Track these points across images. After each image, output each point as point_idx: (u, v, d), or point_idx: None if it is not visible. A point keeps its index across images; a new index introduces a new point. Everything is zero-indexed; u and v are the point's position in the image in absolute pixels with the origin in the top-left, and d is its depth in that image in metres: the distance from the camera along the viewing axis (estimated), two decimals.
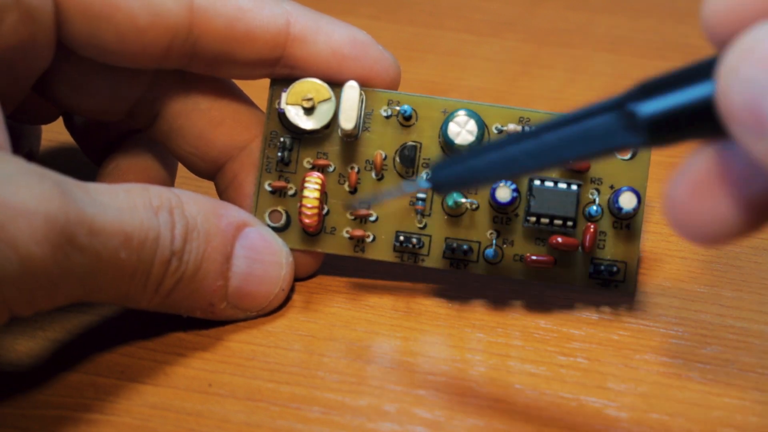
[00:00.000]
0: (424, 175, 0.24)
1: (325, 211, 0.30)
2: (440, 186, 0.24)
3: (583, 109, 0.20)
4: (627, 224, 0.30)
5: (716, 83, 0.18)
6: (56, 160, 0.38)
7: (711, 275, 0.32)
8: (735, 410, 0.26)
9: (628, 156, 0.30)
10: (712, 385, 0.27)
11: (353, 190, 0.30)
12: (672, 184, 0.20)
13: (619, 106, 0.19)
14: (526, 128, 0.28)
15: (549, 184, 0.29)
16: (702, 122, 0.19)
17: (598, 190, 0.30)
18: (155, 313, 0.27)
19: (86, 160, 0.35)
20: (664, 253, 0.33)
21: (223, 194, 0.31)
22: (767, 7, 0.18)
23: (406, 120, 0.30)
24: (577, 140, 0.20)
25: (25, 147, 0.34)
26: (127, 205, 0.25)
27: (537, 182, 0.29)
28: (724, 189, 0.19)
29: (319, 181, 0.30)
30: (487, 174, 0.23)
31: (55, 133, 0.37)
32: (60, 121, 0.35)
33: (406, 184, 0.26)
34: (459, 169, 0.23)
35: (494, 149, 0.22)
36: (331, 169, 0.30)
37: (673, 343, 0.29)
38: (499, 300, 0.30)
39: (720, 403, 0.26)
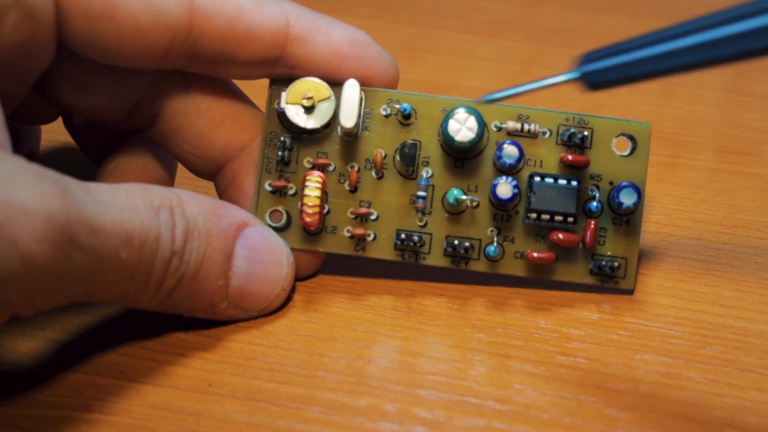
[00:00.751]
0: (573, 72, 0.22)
1: (325, 210, 0.30)
2: (591, 79, 0.22)
3: (747, 6, 0.19)
4: (627, 220, 0.30)
5: None
6: (56, 160, 0.38)
7: (711, 275, 0.32)
8: (735, 410, 0.26)
9: (627, 152, 0.30)
10: (712, 385, 0.27)
11: (353, 189, 0.30)
12: None
13: None
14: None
15: (549, 180, 0.29)
16: None
17: (597, 187, 0.30)
18: (155, 313, 0.27)
19: (86, 160, 0.35)
20: (664, 253, 0.33)
21: (223, 194, 0.31)
22: None
23: (406, 119, 0.30)
24: (740, 39, 0.19)
25: (25, 147, 0.34)
26: (128, 204, 0.25)
27: (537, 179, 0.29)
28: None
29: (320, 180, 0.30)
30: (643, 68, 0.22)
31: (55, 133, 0.37)
32: (60, 121, 0.35)
33: (555, 77, 0.24)
34: (613, 62, 0.22)
35: (651, 43, 0.21)
36: (331, 168, 0.30)
37: (673, 343, 0.29)
38: (499, 300, 0.30)
39: (720, 403, 0.26)
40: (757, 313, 0.30)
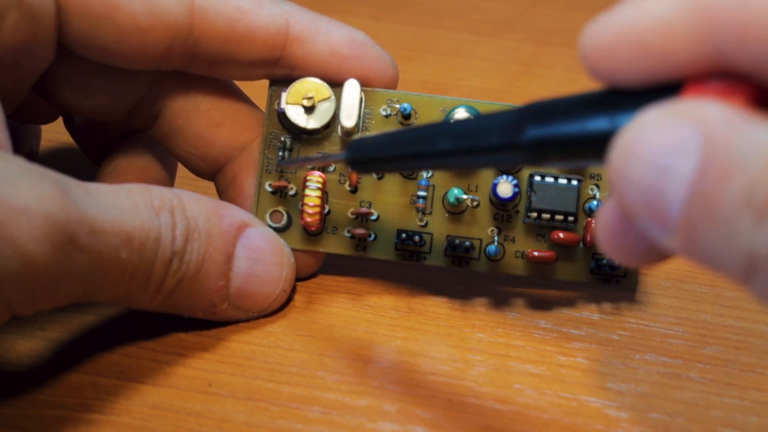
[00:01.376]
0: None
1: (326, 210, 0.30)
2: (353, 163, 0.25)
3: (477, 121, 0.22)
4: None
5: (608, 177, 0.18)
6: (56, 160, 0.38)
7: (711, 275, 0.32)
8: (735, 410, 0.26)
9: None
10: (712, 385, 0.27)
11: (354, 190, 0.30)
12: (599, 217, 0.20)
13: (512, 130, 0.20)
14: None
15: (549, 179, 0.29)
16: (586, 157, 0.19)
17: (597, 186, 0.30)
18: (155, 313, 0.27)
19: (86, 160, 0.35)
20: None
21: (223, 195, 0.31)
22: (642, 51, 0.18)
23: (406, 119, 0.30)
24: (468, 154, 0.21)
25: (25, 147, 0.34)
26: (129, 205, 0.25)
27: (537, 178, 0.29)
28: (634, 233, 0.19)
29: (321, 180, 0.30)
30: (393, 165, 0.25)
31: (55, 133, 0.37)
32: (60, 121, 0.35)
33: (331, 155, 0.28)
34: (368, 153, 0.25)
35: (397, 144, 0.24)
36: (331, 168, 0.30)
37: (673, 343, 0.29)
38: (499, 300, 0.30)
39: (720, 403, 0.26)
40: (757, 313, 0.30)
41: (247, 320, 0.29)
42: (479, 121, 0.22)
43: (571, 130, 0.19)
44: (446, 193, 0.30)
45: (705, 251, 0.17)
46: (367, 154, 0.25)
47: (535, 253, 0.30)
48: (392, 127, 0.30)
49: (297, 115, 0.30)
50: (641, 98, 0.18)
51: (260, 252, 0.28)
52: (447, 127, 0.22)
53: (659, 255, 0.20)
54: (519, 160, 0.20)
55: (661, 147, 0.17)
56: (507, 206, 0.30)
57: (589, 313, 0.30)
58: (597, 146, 0.19)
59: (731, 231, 0.17)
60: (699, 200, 0.17)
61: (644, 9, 0.18)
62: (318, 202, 0.29)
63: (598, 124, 0.19)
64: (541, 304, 0.30)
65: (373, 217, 0.30)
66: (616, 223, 0.20)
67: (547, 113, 0.20)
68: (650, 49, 0.18)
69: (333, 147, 0.30)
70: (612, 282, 0.30)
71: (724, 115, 0.17)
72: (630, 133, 0.18)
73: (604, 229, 0.20)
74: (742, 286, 0.17)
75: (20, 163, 0.23)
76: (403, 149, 0.23)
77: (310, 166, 0.30)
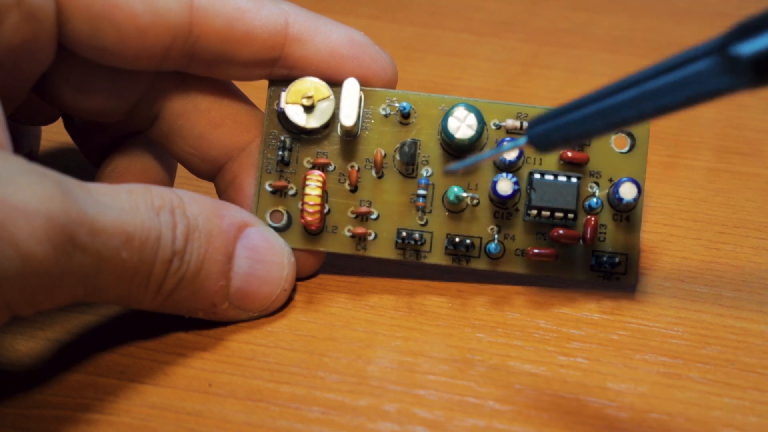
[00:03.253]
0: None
1: (326, 209, 0.30)
2: (538, 141, 0.23)
3: (681, 55, 0.20)
4: (627, 216, 0.30)
5: None
6: (56, 160, 0.38)
7: (711, 275, 0.32)
8: (735, 410, 0.26)
9: (626, 149, 0.30)
10: (712, 385, 0.27)
11: (354, 189, 0.30)
12: None
13: (719, 50, 0.19)
14: (620, 80, 0.27)
15: (549, 177, 0.29)
16: None
17: (597, 183, 0.30)
18: (155, 313, 0.27)
19: (86, 160, 0.35)
20: (664, 253, 0.33)
21: (223, 195, 0.31)
22: None
23: (405, 118, 0.30)
24: (678, 88, 0.20)
25: (25, 147, 0.34)
26: (129, 205, 0.25)
27: (537, 175, 0.29)
28: None
29: (321, 179, 0.30)
30: (586, 126, 0.22)
31: (55, 133, 0.37)
32: (60, 121, 0.35)
33: (504, 144, 0.25)
34: (556, 123, 0.23)
35: (591, 101, 0.22)
36: (331, 168, 0.30)
37: (673, 343, 0.29)
38: (499, 300, 0.30)
39: (720, 403, 0.26)
40: (757, 313, 0.30)
41: (248, 320, 0.29)
42: (677, 56, 0.20)
43: None
44: (446, 192, 0.30)
45: None
46: (550, 125, 0.23)
47: (535, 251, 0.30)
48: (391, 125, 0.30)
49: (296, 115, 0.30)
50: None
51: (260, 252, 0.28)
52: (637, 74, 0.20)
53: None
54: (735, 84, 0.19)
55: None
56: (507, 204, 0.30)
57: (589, 313, 0.30)
58: None
59: None
60: None
61: None
62: (318, 201, 0.29)
63: None
64: (541, 304, 0.30)
65: (373, 216, 0.30)
66: None
67: (756, 26, 0.18)
68: None
69: (333, 146, 0.30)
70: (612, 279, 0.30)
71: None
72: None
73: None
74: None
75: (20, 163, 0.23)
76: (595, 105, 0.21)
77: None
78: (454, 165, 0.27)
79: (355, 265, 0.32)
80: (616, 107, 0.21)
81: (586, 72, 0.46)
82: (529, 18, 0.52)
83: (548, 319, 0.30)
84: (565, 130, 0.22)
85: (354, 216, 0.30)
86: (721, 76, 0.19)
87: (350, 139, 0.30)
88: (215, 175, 0.31)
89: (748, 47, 0.18)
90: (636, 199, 0.29)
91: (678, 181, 0.38)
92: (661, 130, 0.41)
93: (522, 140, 0.23)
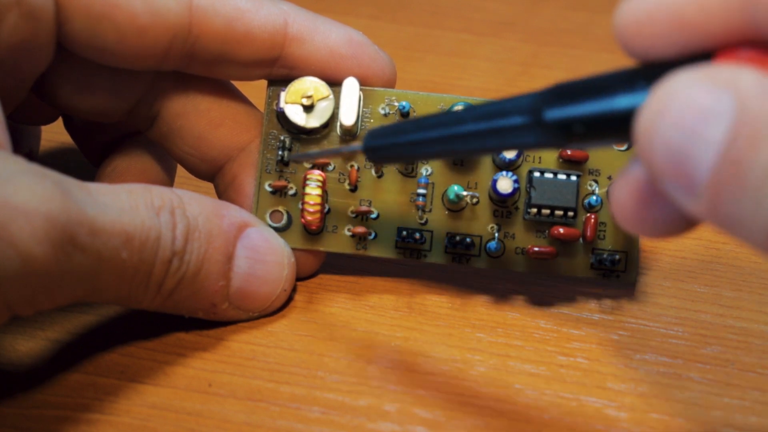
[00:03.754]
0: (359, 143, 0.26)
1: (326, 209, 0.30)
2: (371, 152, 0.25)
3: (500, 104, 0.21)
4: None
5: (636, 138, 0.18)
6: (56, 160, 0.38)
7: (711, 275, 0.32)
8: (735, 410, 0.26)
9: (624, 147, 0.30)
10: (712, 385, 0.27)
11: (353, 188, 0.30)
12: (616, 188, 0.20)
13: (535, 111, 0.20)
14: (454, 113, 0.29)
15: (548, 175, 0.29)
16: (613, 134, 0.19)
17: (596, 181, 0.30)
18: (155, 313, 0.27)
19: (86, 160, 0.35)
20: (664, 253, 0.33)
21: (222, 195, 0.31)
22: (676, 28, 0.18)
23: (404, 117, 0.30)
24: (492, 135, 0.21)
25: (25, 147, 0.34)
26: (129, 205, 0.25)
27: (537, 174, 0.29)
28: (659, 198, 0.19)
29: (321, 178, 0.30)
30: (411, 151, 0.24)
31: (55, 133, 0.37)
32: (60, 121, 0.35)
33: (345, 147, 0.27)
34: (388, 140, 0.24)
35: (418, 128, 0.23)
36: (330, 167, 0.30)
37: (673, 343, 0.29)
38: (499, 300, 0.30)
39: (720, 403, 0.26)
40: (757, 313, 0.30)
41: (248, 320, 0.29)
42: (502, 104, 0.21)
43: (597, 107, 0.19)
44: (446, 190, 0.30)
45: (730, 217, 0.17)
46: (384, 141, 0.24)
47: (536, 249, 0.30)
48: None
49: (296, 115, 0.30)
50: (672, 69, 0.18)
51: (260, 252, 0.28)
52: (468, 112, 0.22)
53: (680, 225, 0.19)
54: (542, 141, 0.20)
55: (692, 111, 0.17)
56: (507, 202, 0.30)
57: (589, 313, 0.30)
58: (625, 121, 0.18)
59: (759, 198, 0.17)
60: (728, 166, 0.17)
61: None
62: (318, 200, 0.29)
63: (625, 98, 0.19)
64: (541, 304, 0.30)
65: (373, 216, 0.30)
66: (636, 193, 0.19)
67: (572, 92, 0.19)
68: (685, 19, 0.18)
69: (332, 146, 0.30)
70: (612, 277, 0.30)
71: (758, 81, 0.17)
72: (660, 96, 0.18)
73: (621, 199, 0.20)
74: (766, 255, 0.17)
75: (20, 163, 0.23)
76: (423, 134, 0.23)
77: (308, 164, 0.30)
78: (297, 154, 0.30)
79: (355, 265, 0.32)
80: (441, 141, 0.23)
81: (586, 72, 0.46)
82: (529, 18, 0.52)
83: (548, 319, 0.30)
84: (394, 149, 0.24)
85: (354, 215, 0.30)
86: (531, 134, 0.20)
87: (350, 138, 0.30)
88: (215, 175, 0.31)
89: (557, 113, 0.20)
90: None
91: None
92: None
93: (358, 146, 0.26)
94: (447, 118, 0.22)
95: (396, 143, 0.24)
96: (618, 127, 0.19)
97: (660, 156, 0.18)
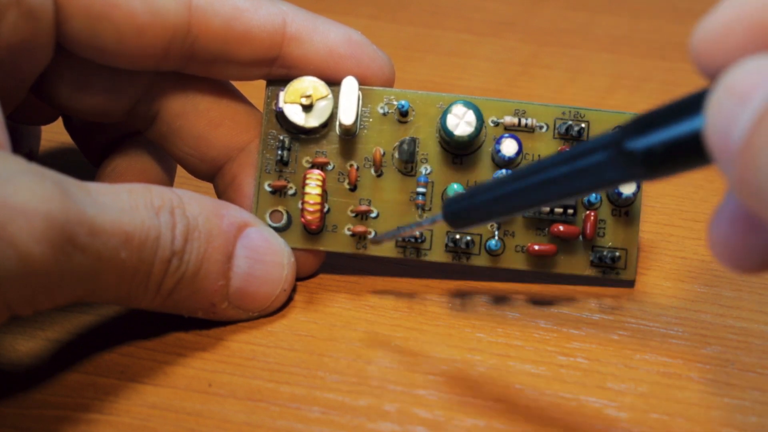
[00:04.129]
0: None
1: (326, 208, 0.30)
2: (454, 219, 0.25)
3: (584, 145, 0.21)
4: (626, 211, 0.30)
5: (705, 120, 0.18)
6: (56, 160, 0.38)
7: (711, 275, 0.31)
8: (735, 410, 0.26)
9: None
10: (712, 385, 0.27)
11: (353, 188, 0.30)
12: (713, 221, 0.20)
13: (615, 144, 0.20)
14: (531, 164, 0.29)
15: None
16: (698, 156, 0.19)
17: None
18: (155, 313, 0.27)
19: (86, 160, 0.35)
20: (664, 253, 0.33)
21: (222, 195, 0.31)
22: (755, 38, 0.18)
23: (403, 116, 0.30)
24: (579, 176, 0.21)
25: (25, 147, 0.34)
26: (129, 205, 0.25)
27: None
28: (757, 226, 0.19)
29: (320, 178, 0.30)
30: (495, 207, 0.23)
31: (55, 133, 0.37)
32: (60, 121, 0.35)
33: (425, 220, 0.27)
34: (468, 202, 0.24)
35: (498, 185, 0.23)
36: (330, 167, 0.30)
37: (673, 343, 0.29)
38: (499, 299, 0.30)
39: (720, 403, 0.26)
40: (757, 313, 0.30)
41: (247, 320, 0.29)
42: (582, 145, 0.21)
43: (677, 131, 0.18)
44: (445, 189, 0.30)
45: None
46: (465, 204, 0.24)
47: (536, 247, 0.30)
48: (390, 124, 0.30)
49: (295, 114, 0.30)
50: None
51: (260, 252, 0.28)
52: (547, 159, 0.22)
53: None
54: (627, 174, 0.20)
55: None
56: None
57: (589, 313, 0.30)
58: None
59: None
60: None
61: None
62: (318, 199, 0.29)
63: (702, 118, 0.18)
64: (541, 304, 0.30)
65: (373, 215, 0.30)
66: (734, 227, 0.19)
67: (650, 120, 0.19)
68: (764, 27, 0.18)
69: (331, 145, 0.30)
70: (612, 274, 0.30)
71: None
72: (737, 69, 0.17)
73: (721, 236, 0.19)
74: None
75: (20, 163, 0.23)
76: (503, 188, 0.23)
77: (307, 164, 0.30)
78: (381, 235, 0.30)
79: (355, 264, 0.32)
80: (524, 191, 0.22)
81: (586, 72, 0.46)
82: (529, 18, 0.52)
83: (548, 319, 0.30)
84: (476, 208, 0.24)
85: (354, 215, 0.30)
86: (616, 168, 0.20)
87: (349, 137, 0.30)
88: (214, 175, 0.31)
89: (641, 143, 0.19)
90: (635, 194, 0.29)
91: (678, 180, 0.38)
92: None
93: (439, 216, 0.25)
94: (527, 169, 0.22)
95: (477, 204, 0.24)
96: (699, 147, 0.18)
97: (719, 132, 0.17)
